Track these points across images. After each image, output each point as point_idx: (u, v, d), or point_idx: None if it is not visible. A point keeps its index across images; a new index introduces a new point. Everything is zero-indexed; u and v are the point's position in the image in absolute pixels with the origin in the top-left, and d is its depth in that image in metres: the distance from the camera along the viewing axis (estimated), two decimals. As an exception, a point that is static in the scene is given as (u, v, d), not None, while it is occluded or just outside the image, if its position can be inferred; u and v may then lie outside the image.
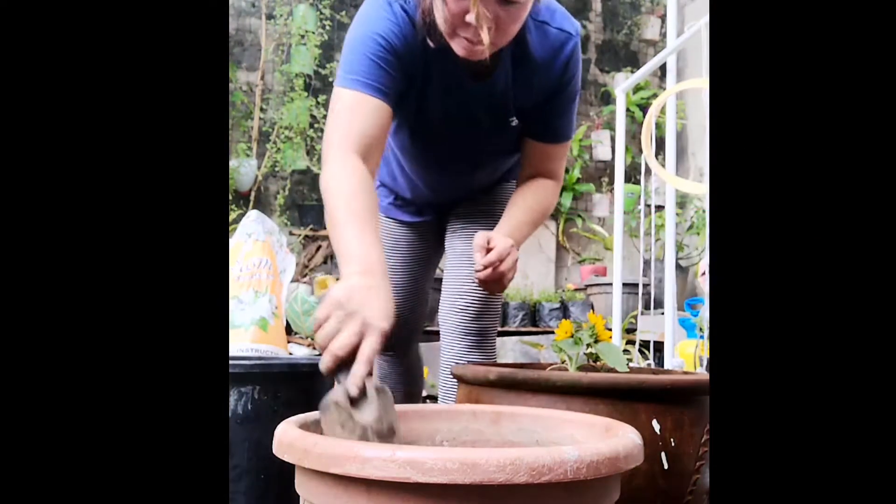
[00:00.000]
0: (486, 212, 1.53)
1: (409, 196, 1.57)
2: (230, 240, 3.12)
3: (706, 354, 2.21)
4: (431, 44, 1.18)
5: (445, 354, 1.53)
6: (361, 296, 0.88)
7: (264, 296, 3.06)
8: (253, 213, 3.29)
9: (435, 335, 3.34)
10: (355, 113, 1.15)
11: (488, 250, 1.22)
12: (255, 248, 3.15)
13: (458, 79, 1.26)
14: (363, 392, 0.82)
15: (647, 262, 3.54)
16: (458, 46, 1.13)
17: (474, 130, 1.34)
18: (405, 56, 1.19)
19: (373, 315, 0.87)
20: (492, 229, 1.31)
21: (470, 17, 1.05)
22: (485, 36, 1.05)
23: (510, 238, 1.26)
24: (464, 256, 1.50)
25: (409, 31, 1.19)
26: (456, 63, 1.22)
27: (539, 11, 1.27)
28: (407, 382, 1.78)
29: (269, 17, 4.00)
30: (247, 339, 2.90)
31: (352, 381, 0.83)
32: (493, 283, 1.24)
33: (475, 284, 1.41)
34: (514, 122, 1.33)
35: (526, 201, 1.36)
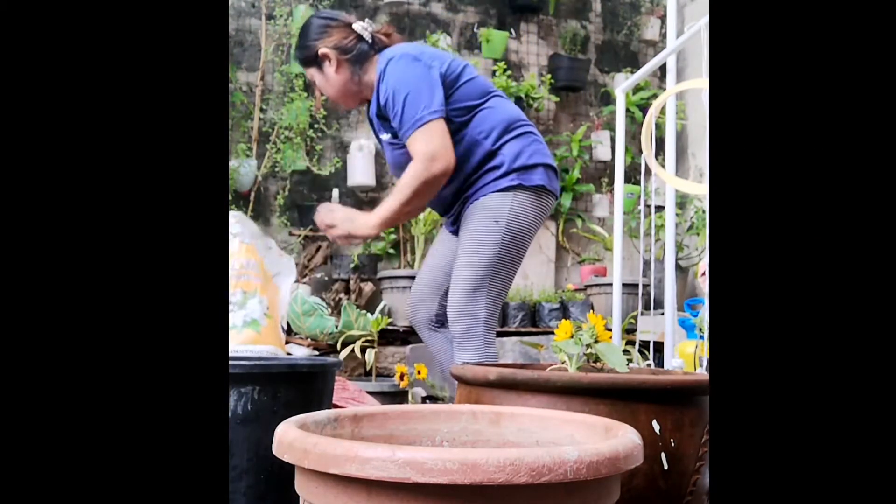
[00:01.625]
0: (455, 227, 1.96)
1: None
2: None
3: (706, 355, 2.21)
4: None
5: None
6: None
7: (254, 297, 3.06)
8: (237, 215, 3.29)
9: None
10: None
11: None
12: (242, 250, 3.15)
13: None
14: None
15: (646, 263, 3.54)
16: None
17: (389, 160, 1.94)
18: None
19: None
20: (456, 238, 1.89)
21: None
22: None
23: (366, 216, 1.82)
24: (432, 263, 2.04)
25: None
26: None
27: (380, 58, 1.85)
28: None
29: (269, 17, 4.00)
30: (237, 341, 2.90)
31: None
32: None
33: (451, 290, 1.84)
34: (383, 138, 1.90)
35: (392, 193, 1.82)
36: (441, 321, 1.97)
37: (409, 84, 1.72)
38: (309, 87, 4.01)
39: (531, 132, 1.86)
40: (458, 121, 1.79)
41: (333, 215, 1.87)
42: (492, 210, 1.78)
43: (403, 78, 1.73)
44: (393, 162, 1.91)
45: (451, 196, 1.89)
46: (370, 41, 1.90)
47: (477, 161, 1.81)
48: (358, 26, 1.91)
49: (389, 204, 1.77)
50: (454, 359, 1.81)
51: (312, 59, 1.90)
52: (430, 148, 1.70)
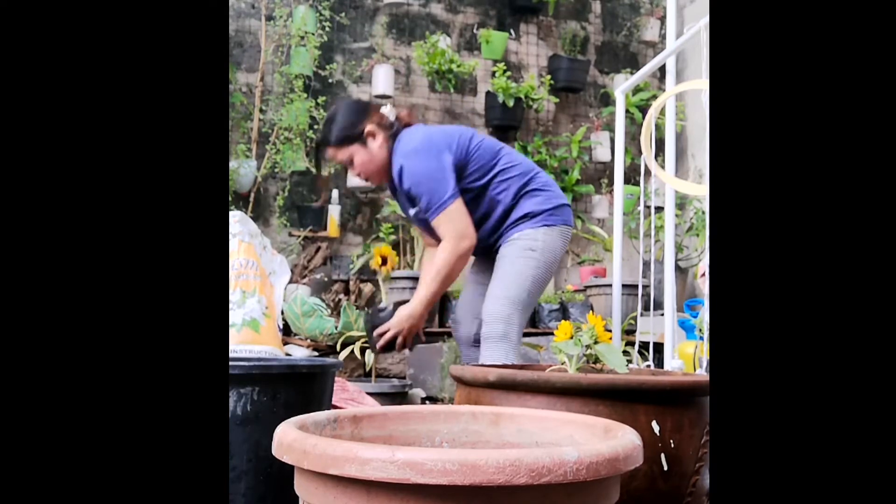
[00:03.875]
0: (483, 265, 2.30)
1: None
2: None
3: (706, 356, 2.20)
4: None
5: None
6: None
7: (253, 296, 3.06)
8: (237, 214, 3.29)
9: (435, 336, 3.35)
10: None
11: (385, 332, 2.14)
12: (241, 249, 3.15)
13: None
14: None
15: (646, 264, 3.54)
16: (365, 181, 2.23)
17: (409, 212, 2.21)
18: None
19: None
20: (487, 275, 2.17)
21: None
22: (360, 178, 2.20)
23: (412, 307, 2.11)
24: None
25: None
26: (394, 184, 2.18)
27: (396, 146, 2.11)
28: None
29: (269, 18, 4.00)
30: (237, 340, 2.90)
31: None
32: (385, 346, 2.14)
33: (489, 298, 2.10)
34: (410, 212, 2.18)
35: (427, 267, 2.17)
36: (479, 339, 2.21)
37: (426, 176, 2.03)
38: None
39: (543, 181, 2.21)
40: (477, 185, 2.11)
41: (390, 334, 2.13)
42: (526, 240, 2.11)
43: (422, 172, 2.03)
44: (420, 227, 2.23)
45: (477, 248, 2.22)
46: (395, 121, 2.19)
47: (498, 216, 2.14)
48: (386, 110, 2.18)
49: (431, 285, 2.07)
50: (487, 358, 2.04)
51: (357, 137, 2.11)
52: (457, 229, 2.03)
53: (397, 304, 2.16)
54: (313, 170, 3.95)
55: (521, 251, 2.10)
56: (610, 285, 2.99)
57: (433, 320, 3.54)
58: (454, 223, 2.03)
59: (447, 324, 3.47)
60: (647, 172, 3.68)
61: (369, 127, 2.11)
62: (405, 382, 3.24)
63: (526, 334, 3.80)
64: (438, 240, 2.12)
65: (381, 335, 2.12)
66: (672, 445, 0.99)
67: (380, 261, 2.34)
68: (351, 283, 3.83)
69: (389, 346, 2.14)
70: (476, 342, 2.22)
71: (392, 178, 2.14)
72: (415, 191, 2.05)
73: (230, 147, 3.84)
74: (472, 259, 2.32)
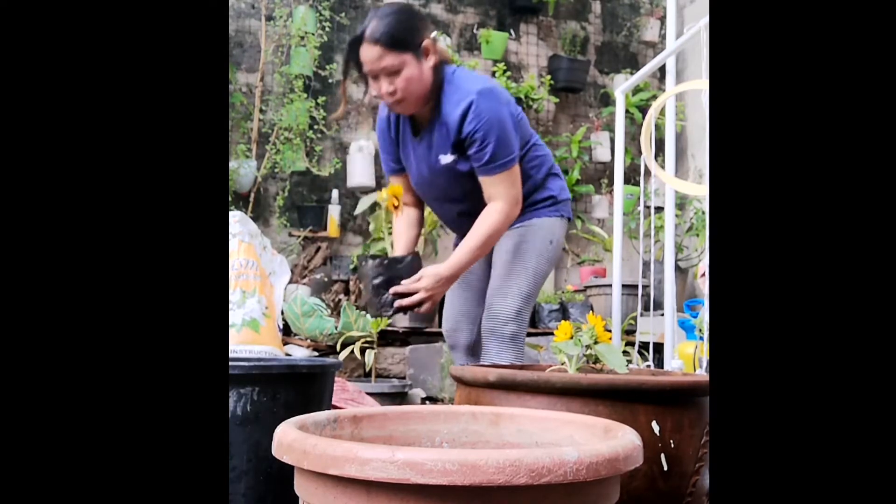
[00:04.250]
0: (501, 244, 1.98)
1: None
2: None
3: (706, 356, 2.20)
4: (393, 114, 1.92)
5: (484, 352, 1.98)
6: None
7: (253, 296, 3.06)
8: (237, 214, 3.29)
9: (435, 336, 3.34)
10: (394, 184, 2.00)
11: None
12: (241, 249, 3.16)
13: (411, 140, 1.90)
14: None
15: (646, 264, 3.54)
16: (393, 107, 1.80)
17: (429, 175, 1.90)
18: (388, 139, 1.97)
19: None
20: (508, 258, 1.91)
21: (375, 92, 1.77)
22: (389, 99, 1.76)
23: (446, 269, 1.79)
24: (495, 273, 2.01)
25: (386, 122, 1.95)
26: (409, 129, 1.90)
27: (456, 77, 1.80)
28: None
29: (269, 18, 4.00)
30: (237, 340, 2.90)
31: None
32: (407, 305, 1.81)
33: (504, 294, 1.91)
34: (444, 160, 1.84)
35: (472, 230, 1.81)
36: (478, 342, 2.06)
37: (500, 125, 1.75)
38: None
39: (559, 171, 2.06)
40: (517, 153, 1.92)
41: (418, 297, 1.79)
42: (547, 231, 1.95)
43: (496, 117, 1.75)
44: (431, 181, 1.91)
45: None
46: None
47: (527, 191, 1.92)
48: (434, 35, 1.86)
49: (475, 249, 1.79)
50: (495, 359, 1.89)
51: (415, 46, 1.74)
52: (515, 192, 1.81)
53: (417, 256, 1.83)
54: (313, 170, 3.95)
55: (543, 242, 1.92)
56: (610, 285, 2.99)
57: (433, 319, 3.54)
58: (515, 186, 1.79)
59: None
60: (647, 172, 3.68)
61: (427, 41, 1.76)
62: (405, 382, 3.24)
63: (526, 334, 3.80)
64: (419, 200, 1.95)
65: (401, 295, 1.76)
66: (672, 445, 0.99)
67: (394, 202, 2.03)
68: (351, 283, 3.82)
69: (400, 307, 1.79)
70: (474, 347, 2.07)
71: (435, 111, 1.79)
72: (481, 135, 1.73)
73: (230, 147, 3.84)
74: None
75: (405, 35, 1.73)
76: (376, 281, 1.76)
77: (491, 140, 1.74)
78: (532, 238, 1.91)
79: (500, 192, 1.78)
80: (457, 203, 1.93)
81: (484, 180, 1.79)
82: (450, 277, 1.80)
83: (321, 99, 4.01)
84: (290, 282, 3.56)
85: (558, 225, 1.97)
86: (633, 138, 4.40)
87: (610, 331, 2.49)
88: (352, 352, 3.19)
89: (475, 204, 1.86)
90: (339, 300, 3.68)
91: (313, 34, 3.94)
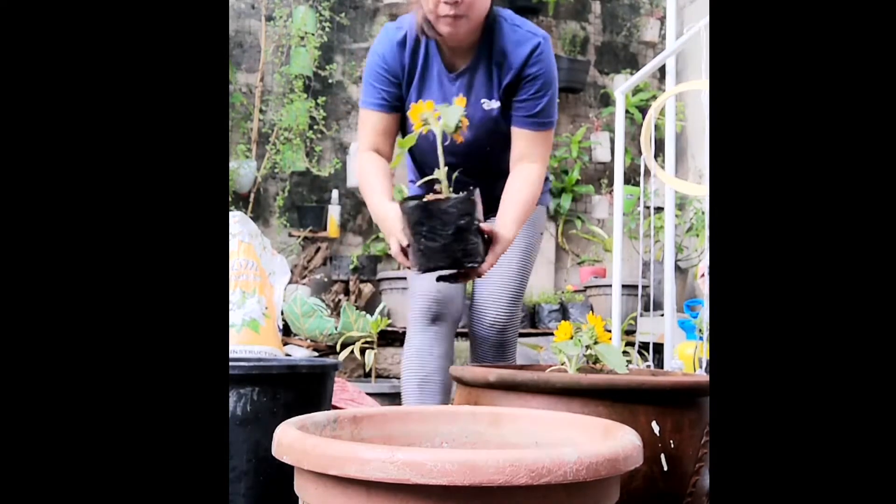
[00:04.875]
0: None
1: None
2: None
3: (706, 356, 2.20)
4: (424, 37, 1.57)
5: (475, 349, 1.78)
6: (385, 229, 1.48)
7: (253, 297, 3.06)
8: (237, 215, 3.29)
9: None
10: (365, 125, 1.66)
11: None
12: (241, 250, 3.16)
13: (441, 74, 1.61)
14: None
15: (646, 264, 3.54)
16: (443, 26, 1.48)
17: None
18: (398, 69, 1.61)
19: (391, 229, 1.44)
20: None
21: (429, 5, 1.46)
22: (448, 11, 1.44)
23: (511, 230, 1.50)
24: (492, 273, 1.68)
25: (400, 53, 1.60)
26: (440, 63, 1.60)
27: (511, 17, 1.60)
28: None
29: (269, 18, 4.00)
30: (236, 340, 2.90)
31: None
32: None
33: (500, 303, 1.73)
34: (487, 105, 1.61)
35: (515, 191, 1.57)
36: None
37: (555, 79, 1.61)
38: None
39: None
40: None
41: (492, 260, 1.47)
42: (537, 222, 1.78)
43: (555, 69, 1.61)
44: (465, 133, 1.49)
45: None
46: None
47: None
48: None
49: (527, 207, 1.54)
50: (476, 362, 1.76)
51: None
52: (548, 156, 1.65)
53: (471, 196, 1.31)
54: (313, 170, 3.95)
55: (535, 234, 1.77)
56: (610, 286, 2.99)
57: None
58: (549, 152, 1.64)
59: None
60: (647, 173, 3.68)
61: None
62: (405, 383, 3.23)
63: (526, 334, 3.80)
64: (391, 151, 1.61)
65: (468, 254, 1.32)
66: (672, 446, 0.99)
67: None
68: (351, 283, 3.83)
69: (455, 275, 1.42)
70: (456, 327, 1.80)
71: (483, 46, 1.56)
72: (542, 82, 1.55)
73: (230, 147, 3.84)
74: None
75: None
76: (447, 229, 1.28)
77: (548, 91, 1.57)
78: (526, 233, 1.72)
79: (539, 154, 1.58)
80: (477, 165, 1.61)
81: (525, 135, 1.57)
82: (513, 237, 1.52)
83: (321, 99, 4.01)
84: (290, 282, 3.56)
85: (544, 214, 1.84)
86: (633, 138, 4.40)
87: (610, 331, 2.49)
88: (352, 352, 3.19)
89: (494, 171, 1.65)
90: (339, 300, 3.68)
91: (313, 34, 3.94)
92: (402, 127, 1.68)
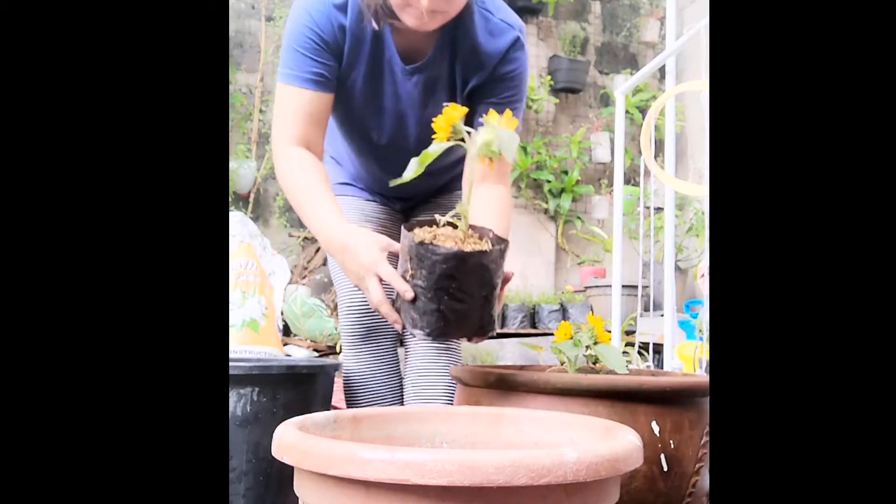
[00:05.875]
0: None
1: (364, 185, 1.53)
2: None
3: (705, 356, 2.21)
4: (375, 26, 1.23)
5: (413, 359, 1.51)
6: (354, 262, 1.09)
7: (253, 297, 3.07)
8: (237, 215, 3.30)
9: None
10: (292, 107, 1.25)
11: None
12: (241, 250, 3.16)
13: (392, 64, 1.29)
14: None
15: (646, 264, 3.54)
16: (410, 17, 1.15)
17: (411, 126, 1.35)
18: (334, 38, 1.24)
19: (367, 263, 1.07)
20: None
21: None
22: (423, 4, 1.11)
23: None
24: None
25: (340, 18, 1.23)
26: (393, 49, 1.27)
27: (484, 2, 1.29)
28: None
29: (269, 19, 4.00)
30: (236, 340, 2.90)
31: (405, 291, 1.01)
32: None
33: None
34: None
35: (496, 214, 1.26)
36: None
37: (527, 79, 1.38)
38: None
39: None
40: None
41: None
42: None
43: (527, 67, 1.37)
44: (404, 135, 1.36)
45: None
46: None
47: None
48: None
49: (505, 225, 1.26)
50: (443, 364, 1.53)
51: None
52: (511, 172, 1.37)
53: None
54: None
55: None
56: (610, 286, 2.99)
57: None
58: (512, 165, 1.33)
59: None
60: (647, 173, 3.68)
61: None
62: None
63: (526, 334, 3.80)
64: (322, 146, 1.28)
65: (495, 319, 1.07)
66: (672, 446, 0.99)
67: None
68: (351, 283, 3.82)
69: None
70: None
71: (450, 40, 1.28)
72: (515, 84, 1.32)
73: (230, 148, 3.84)
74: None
75: None
76: (482, 290, 1.01)
77: (521, 94, 1.33)
78: None
79: (505, 171, 1.33)
80: (428, 177, 1.21)
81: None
82: None
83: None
84: (290, 282, 3.56)
85: None
86: (632, 139, 4.40)
87: (610, 331, 2.49)
88: (352, 352, 3.18)
89: (441, 185, 1.47)
90: (339, 301, 3.67)
91: (313, 35, 3.93)
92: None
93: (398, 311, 1.06)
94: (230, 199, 3.77)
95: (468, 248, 0.99)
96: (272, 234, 3.96)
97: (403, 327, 1.06)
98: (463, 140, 0.98)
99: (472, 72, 1.31)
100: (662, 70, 4.15)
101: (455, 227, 1.04)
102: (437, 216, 1.05)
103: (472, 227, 1.05)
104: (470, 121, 1.19)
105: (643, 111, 4.41)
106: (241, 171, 3.79)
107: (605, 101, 4.79)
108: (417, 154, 1.04)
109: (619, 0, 4.93)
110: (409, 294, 1.00)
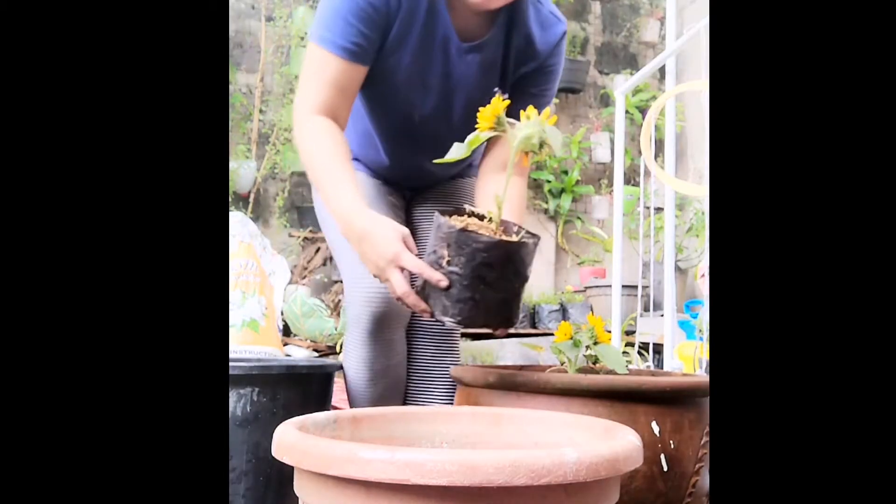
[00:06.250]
0: (451, 205, 1.47)
1: (370, 163, 1.49)
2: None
3: (705, 356, 2.21)
4: None
5: (413, 359, 1.51)
6: (374, 252, 1.05)
7: (253, 297, 3.07)
8: (237, 215, 3.30)
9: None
10: (323, 74, 1.18)
11: None
12: (241, 250, 3.16)
13: (447, 41, 1.23)
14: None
15: (646, 264, 3.53)
16: None
17: (458, 108, 1.31)
18: (388, 14, 1.17)
19: (390, 254, 1.03)
20: None
21: None
22: None
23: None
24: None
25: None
26: (447, 25, 1.21)
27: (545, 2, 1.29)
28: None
29: (269, 19, 4.00)
30: (236, 340, 2.90)
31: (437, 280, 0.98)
32: None
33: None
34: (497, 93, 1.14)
35: (514, 209, 1.24)
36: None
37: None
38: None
39: None
40: None
41: None
42: None
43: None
44: (449, 116, 1.32)
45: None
46: None
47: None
48: None
49: (520, 218, 1.25)
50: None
51: None
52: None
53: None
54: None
55: None
56: (610, 286, 2.99)
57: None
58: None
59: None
60: (647, 173, 3.68)
61: None
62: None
63: (526, 334, 3.80)
64: (347, 118, 1.23)
65: (519, 312, 1.11)
66: (672, 446, 0.99)
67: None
68: (351, 283, 3.81)
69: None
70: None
71: (502, 24, 1.25)
72: (555, 78, 1.32)
73: (230, 148, 3.84)
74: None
75: None
76: (517, 280, 1.05)
77: (555, 88, 1.34)
78: None
79: (525, 166, 1.20)
80: (442, 166, 1.14)
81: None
82: None
83: (321, 99, 4.00)
84: (290, 282, 3.56)
85: None
86: (632, 139, 4.40)
87: (610, 331, 2.49)
88: (352, 352, 3.18)
89: (451, 174, 1.47)
90: (339, 300, 3.68)
91: (313, 35, 3.93)
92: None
93: (425, 299, 1.04)
94: (230, 199, 3.77)
95: (507, 238, 1.00)
96: (272, 234, 3.96)
97: (431, 314, 1.04)
98: (504, 131, 0.97)
99: (523, 60, 1.28)
100: (662, 70, 4.15)
101: (479, 217, 1.04)
102: (466, 206, 1.06)
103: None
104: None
105: (643, 111, 4.41)
106: (241, 172, 3.79)
107: (605, 101, 4.79)
108: (454, 135, 1.04)
109: (619, 0, 4.93)
110: (444, 282, 0.99)
